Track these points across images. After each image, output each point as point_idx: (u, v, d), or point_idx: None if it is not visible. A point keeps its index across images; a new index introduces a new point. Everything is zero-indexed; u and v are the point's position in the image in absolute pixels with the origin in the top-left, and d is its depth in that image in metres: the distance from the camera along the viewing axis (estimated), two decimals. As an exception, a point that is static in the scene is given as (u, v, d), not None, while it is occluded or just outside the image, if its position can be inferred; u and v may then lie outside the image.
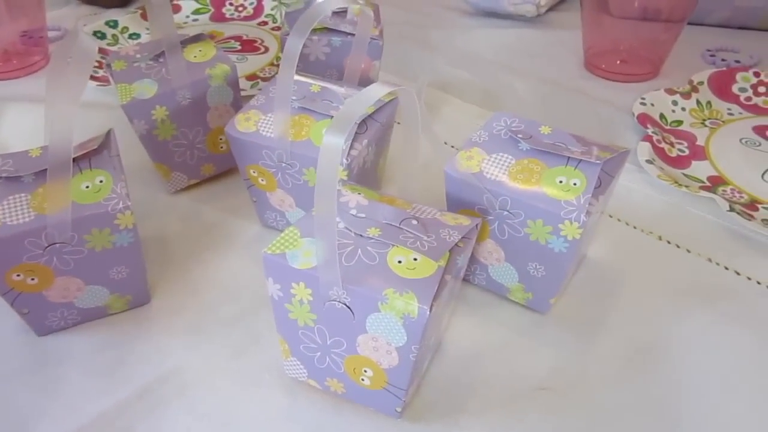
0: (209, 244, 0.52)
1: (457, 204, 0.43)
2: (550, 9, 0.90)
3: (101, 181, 0.40)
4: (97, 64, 0.77)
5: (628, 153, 0.44)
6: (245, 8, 0.92)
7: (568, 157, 0.41)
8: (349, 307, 0.34)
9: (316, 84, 0.49)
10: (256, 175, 0.49)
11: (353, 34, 0.58)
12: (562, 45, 0.83)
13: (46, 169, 0.39)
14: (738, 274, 0.49)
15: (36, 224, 0.38)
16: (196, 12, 0.91)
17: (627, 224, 0.54)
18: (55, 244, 0.39)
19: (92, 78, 0.74)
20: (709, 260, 0.50)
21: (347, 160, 0.44)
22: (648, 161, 0.57)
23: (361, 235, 0.35)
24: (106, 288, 0.43)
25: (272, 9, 0.91)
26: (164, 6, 0.50)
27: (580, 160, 0.40)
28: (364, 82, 0.56)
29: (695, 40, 0.81)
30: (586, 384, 0.42)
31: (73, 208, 0.39)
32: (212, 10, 0.92)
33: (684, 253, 0.51)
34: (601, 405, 0.40)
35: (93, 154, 0.41)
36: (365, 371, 0.36)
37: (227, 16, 0.91)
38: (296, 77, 0.48)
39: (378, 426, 0.39)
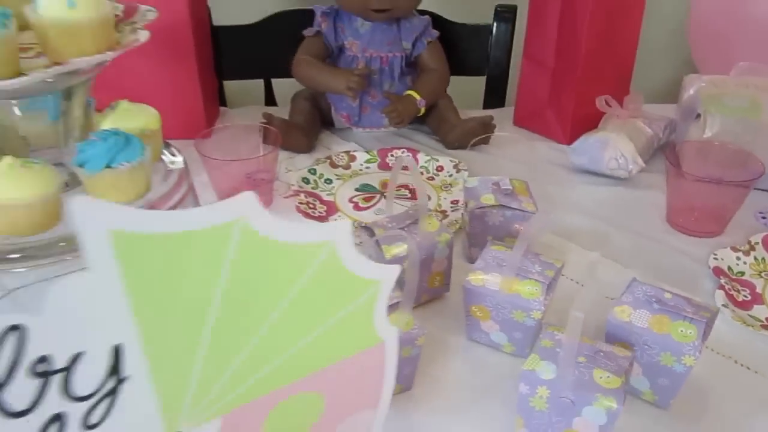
0: (434, 351, 0.80)
1: (614, 338, 0.71)
2: (640, 171, 1.19)
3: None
4: (312, 207, 1.09)
5: (718, 312, 0.71)
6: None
7: (684, 316, 0.68)
8: (573, 402, 0.61)
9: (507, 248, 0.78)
10: (476, 310, 0.78)
11: (517, 209, 0.88)
12: (649, 201, 1.11)
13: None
14: (792, 393, 0.75)
15: (377, 342, 0.67)
16: (368, 161, 1.23)
17: (712, 350, 0.80)
18: (384, 354, 0.68)
19: (310, 216, 1.05)
20: (770, 380, 0.77)
21: (544, 306, 0.73)
22: (723, 305, 0.84)
23: (576, 361, 0.63)
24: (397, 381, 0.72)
25: (426, 162, 1.22)
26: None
27: (693, 318, 0.68)
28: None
29: (750, 202, 1.08)
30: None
31: (396, 334, 0.68)
32: (378, 159, 1.24)
33: (752, 373, 0.77)
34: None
35: (399, 300, 0.71)
36: (574, 439, 0.64)
37: (390, 165, 1.23)
38: (496, 251, 0.77)
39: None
